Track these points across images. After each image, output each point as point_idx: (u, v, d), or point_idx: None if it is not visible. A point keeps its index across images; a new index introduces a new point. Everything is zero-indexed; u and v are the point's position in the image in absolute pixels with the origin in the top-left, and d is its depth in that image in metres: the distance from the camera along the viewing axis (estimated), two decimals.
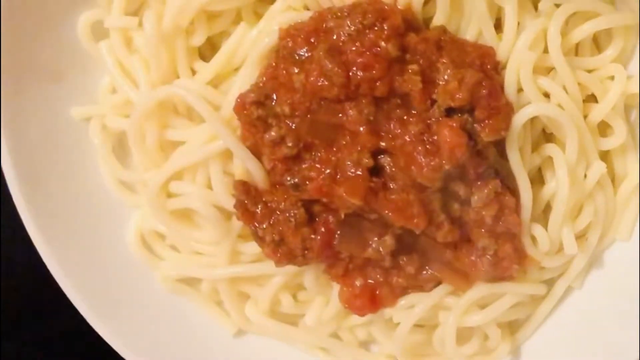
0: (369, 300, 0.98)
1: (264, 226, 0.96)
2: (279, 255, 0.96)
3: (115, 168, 1.02)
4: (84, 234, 1.01)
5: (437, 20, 0.92)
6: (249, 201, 0.96)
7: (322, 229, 0.95)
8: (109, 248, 1.02)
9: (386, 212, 0.92)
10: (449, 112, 0.89)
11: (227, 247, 1.01)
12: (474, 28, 0.92)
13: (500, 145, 0.92)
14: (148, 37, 0.96)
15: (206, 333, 1.04)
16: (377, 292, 0.98)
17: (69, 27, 0.98)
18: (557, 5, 0.91)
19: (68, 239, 0.99)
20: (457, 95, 0.88)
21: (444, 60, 0.90)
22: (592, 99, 0.94)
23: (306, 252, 0.96)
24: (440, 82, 0.89)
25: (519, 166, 0.92)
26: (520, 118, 0.90)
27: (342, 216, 0.94)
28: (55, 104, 0.97)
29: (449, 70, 0.89)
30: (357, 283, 0.98)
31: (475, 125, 0.90)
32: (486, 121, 0.89)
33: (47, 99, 0.97)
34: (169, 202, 1.01)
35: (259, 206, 0.96)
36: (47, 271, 0.97)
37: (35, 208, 0.96)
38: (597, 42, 0.96)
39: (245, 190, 0.96)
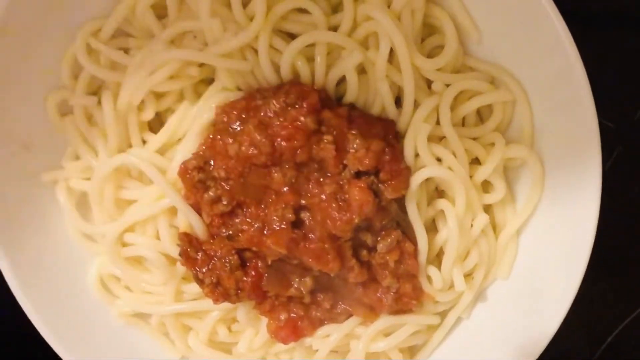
0: (292, 331, 1.05)
1: (204, 270, 1.02)
2: (216, 294, 1.03)
3: (77, 222, 1.07)
4: (52, 276, 1.06)
5: (347, 98, 1.00)
6: (191, 250, 1.02)
7: (253, 273, 1.02)
8: (74, 288, 1.08)
9: (306, 258, 0.98)
10: (358, 174, 0.97)
11: (173, 288, 1.07)
12: (378, 104, 0.99)
13: (400, 201, 1.00)
14: (106, 113, 1.02)
15: (154, 357, 1.10)
16: (299, 324, 1.05)
17: (39, 104, 1.03)
18: (447, 85, 0.99)
19: (39, 281, 1.04)
20: (365, 161, 0.96)
21: (354, 132, 0.96)
22: (476, 161, 1.02)
23: (239, 291, 1.02)
24: (351, 150, 0.96)
25: (416, 218, 1.00)
26: (417, 179, 0.98)
27: (269, 262, 1.01)
28: (27, 169, 1.03)
29: (357, 140, 0.96)
30: (282, 317, 1.05)
31: (380, 185, 0.97)
32: (389, 182, 0.97)
33: (20, 165, 1.02)
34: (123, 251, 1.07)
35: (200, 254, 1.02)
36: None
37: (12, 257, 1.02)
38: (481, 115, 1.04)
39: (188, 241, 1.02)
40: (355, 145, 0.97)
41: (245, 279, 1.02)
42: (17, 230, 1.03)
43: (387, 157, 0.97)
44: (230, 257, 1.02)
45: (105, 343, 1.09)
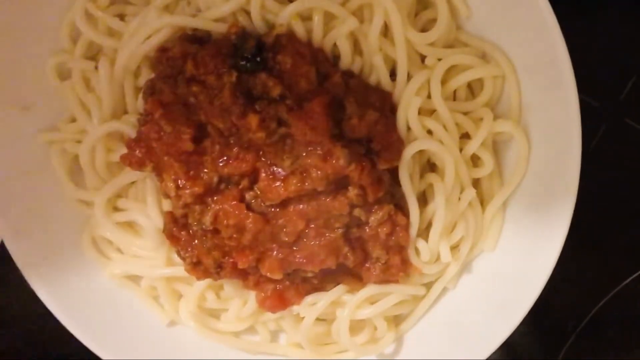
0: (279, 301, 1.02)
1: (188, 250, 1.00)
2: (197, 272, 1.01)
3: (70, 186, 1.05)
4: (49, 236, 1.05)
5: (341, 67, 0.97)
6: (175, 228, 1.00)
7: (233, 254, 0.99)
8: (69, 250, 1.06)
9: (302, 265, 0.97)
10: (351, 142, 0.94)
11: (163, 254, 1.05)
12: (374, 77, 0.97)
13: (393, 174, 0.97)
14: (102, 78, 1.00)
15: (144, 320, 1.08)
16: (286, 294, 1.02)
17: (38, 66, 1.01)
18: (440, 59, 0.97)
19: (36, 240, 1.04)
20: (358, 129, 0.93)
21: (350, 100, 0.94)
22: (467, 136, 1.00)
23: (220, 270, 1.00)
24: (345, 118, 0.94)
25: (409, 190, 0.97)
26: (409, 151, 0.96)
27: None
28: (25, 130, 1.01)
29: (353, 108, 0.93)
30: (268, 288, 1.03)
31: (373, 155, 0.95)
32: (381, 152, 0.95)
33: (18, 126, 1.01)
34: (116, 215, 1.05)
35: (183, 232, 1.00)
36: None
37: (9, 217, 1.01)
38: (472, 90, 1.02)
39: (173, 219, 1.00)
40: (350, 113, 0.94)
41: (224, 259, 1.00)
42: (15, 191, 1.03)
43: (380, 127, 0.95)
44: (205, 238, 0.99)
45: (96, 300, 1.07)
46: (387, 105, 0.97)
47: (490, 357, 1.00)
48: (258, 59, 0.93)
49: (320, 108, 0.92)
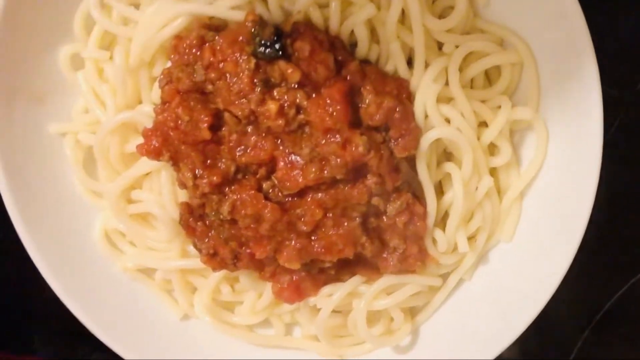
0: (295, 292, 1.01)
1: (205, 240, 0.99)
2: (213, 263, 0.99)
3: (82, 176, 1.04)
4: (61, 230, 1.03)
5: (359, 54, 0.96)
6: (191, 219, 0.98)
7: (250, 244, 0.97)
8: (81, 242, 1.05)
9: (320, 255, 0.96)
10: (369, 130, 0.93)
11: (178, 245, 1.03)
12: (391, 64, 0.96)
13: (410, 162, 0.96)
14: (117, 68, 0.98)
15: (157, 315, 1.07)
16: (302, 285, 1.01)
17: (51, 57, 1.00)
18: (457, 47, 0.96)
19: (48, 234, 1.01)
20: (375, 117, 0.92)
21: (367, 87, 0.93)
22: (484, 124, 0.98)
23: (236, 261, 0.99)
24: (362, 105, 0.93)
25: (426, 179, 0.96)
26: (427, 139, 0.94)
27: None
28: (38, 121, 1.00)
29: (370, 96, 0.92)
30: (285, 279, 1.01)
31: (391, 143, 0.94)
32: (399, 140, 0.93)
33: (32, 116, 0.99)
34: (129, 207, 1.03)
35: (199, 224, 0.98)
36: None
37: (22, 209, 0.99)
38: (489, 78, 1.00)
39: (189, 210, 0.98)
40: (367, 101, 0.93)
41: (241, 250, 0.98)
42: (28, 182, 1.01)
43: (398, 115, 0.93)
44: (222, 228, 0.98)
45: (109, 294, 1.06)
46: (404, 93, 0.95)
47: (503, 352, 0.99)
48: (277, 45, 0.91)
49: (339, 95, 0.90)
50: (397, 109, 0.94)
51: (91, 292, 1.04)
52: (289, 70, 0.90)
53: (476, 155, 0.98)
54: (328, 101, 0.91)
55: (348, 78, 0.93)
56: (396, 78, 0.96)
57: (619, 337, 1.24)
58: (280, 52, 0.91)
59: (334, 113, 0.91)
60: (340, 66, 0.94)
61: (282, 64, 0.91)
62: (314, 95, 0.92)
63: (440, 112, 0.96)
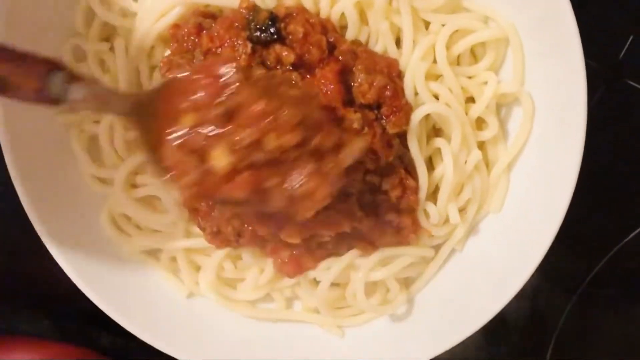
0: (296, 266, 1.03)
1: (208, 219, 1.01)
2: (217, 241, 1.02)
3: (88, 165, 1.05)
4: (70, 214, 1.05)
5: (348, 35, 0.99)
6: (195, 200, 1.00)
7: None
8: (89, 225, 1.07)
9: (318, 230, 0.97)
10: (361, 107, 0.95)
11: (182, 227, 1.05)
12: (380, 44, 0.98)
13: (401, 139, 0.98)
14: (117, 58, 1.01)
15: (164, 292, 1.09)
16: (302, 259, 1.04)
17: (54, 50, 1.01)
18: (444, 25, 0.98)
19: (57, 218, 1.03)
20: (367, 95, 0.95)
21: (359, 67, 0.96)
22: (471, 100, 1.01)
23: (239, 238, 1.01)
24: (355, 84, 0.96)
25: (417, 154, 0.98)
26: (417, 115, 0.96)
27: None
28: (43, 112, 0.95)
29: (362, 75, 0.95)
30: (285, 254, 1.03)
31: (382, 121, 0.96)
32: (390, 117, 0.96)
33: (36, 108, 0.93)
34: (135, 191, 1.05)
35: (202, 204, 1.01)
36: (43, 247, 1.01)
37: (32, 195, 1.00)
38: (475, 56, 1.03)
39: None
40: (359, 80, 0.96)
41: (243, 227, 1.00)
42: (37, 170, 1.02)
43: (389, 93, 0.96)
44: (224, 209, 0.99)
45: (117, 275, 1.07)
46: (394, 72, 0.98)
47: (493, 318, 1.01)
48: (272, 30, 0.93)
49: (332, 75, 0.93)
50: (388, 87, 0.96)
51: (101, 273, 1.06)
52: (284, 53, 0.93)
53: (465, 130, 1.00)
54: (322, 81, 0.93)
55: (340, 59, 0.96)
56: (386, 57, 0.99)
57: (605, 305, 1.27)
58: (275, 36, 0.93)
59: (328, 92, 0.93)
60: (333, 47, 0.96)
61: (277, 47, 0.93)
62: (308, 76, 0.94)
63: (429, 88, 0.98)
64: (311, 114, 0.84)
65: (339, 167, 0.85)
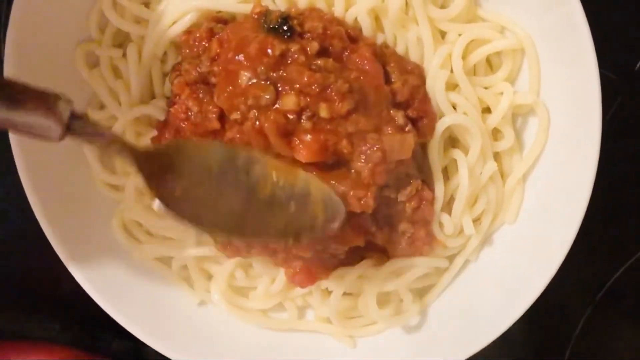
0: (308, 276, 1.02)
1: None
2: (228, 250, 1.01)
3: (100, 171, 1.04)
4: (81, 220, 1.03)
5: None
6: None
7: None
8: (100, 232, 1.05)
9: (331, 245, 0.97)
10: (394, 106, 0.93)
11: (194, 234, 1.04)
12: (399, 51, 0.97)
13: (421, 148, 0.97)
14: (130, 64, 1.00)
15: (175, 300, 1.08)
16: (314, 269, 1.02)
17: (67, 56, 1.00)
18: (460, 35, 0.97)
19: (69, 224, 1.01)
20: (401, 93, 0.93)
21: (392, 65, 0.94)
22: (487, 110, 1.00)
23: (250, 248, 1.00)
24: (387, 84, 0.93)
25: (437, 166, 0.97)
26: (441, 125, 0.96)
27: None
28: None
29: (396, 72, 0.94)
30: (297, 265, 1.02)
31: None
32: (418, 124, 0.95)
33: None
34: (146, 198, 1.03)
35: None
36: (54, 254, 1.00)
37: (43, 202, 0.99)
38: (491, 66, 1.01)
39: None
40: (392, 78, 0.94)
41: None
42: (49, 178, 1.01)
43: (419, 95, 0.95)
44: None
45: (128, 282, 1.06)
46: (423, 75, 0.97)
47: (509, 328, 1.00)
48: (285, 27, 0.91)
49: (368, 53, 0.92)
50: (420, 89, 0.95)
51: (112, 280, 1.04)
52: (307, 43, 0.91)
53: (484, 140, 0.99)
54: (357, 61, 0.92)
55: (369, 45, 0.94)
56: (413, 62, 0.98)
57: (622, 313, 1.25)
58: (289, 33, 0.91)
59: (368, 71, 0.92)
60: (354, 40, 0.95)
61: (298, 40, 0.91)
62: (346, 54, 0.93)
63: (448, 98, 0.97)
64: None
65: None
